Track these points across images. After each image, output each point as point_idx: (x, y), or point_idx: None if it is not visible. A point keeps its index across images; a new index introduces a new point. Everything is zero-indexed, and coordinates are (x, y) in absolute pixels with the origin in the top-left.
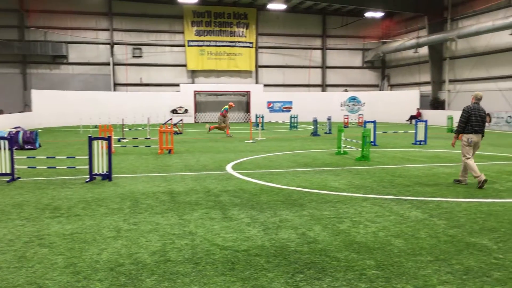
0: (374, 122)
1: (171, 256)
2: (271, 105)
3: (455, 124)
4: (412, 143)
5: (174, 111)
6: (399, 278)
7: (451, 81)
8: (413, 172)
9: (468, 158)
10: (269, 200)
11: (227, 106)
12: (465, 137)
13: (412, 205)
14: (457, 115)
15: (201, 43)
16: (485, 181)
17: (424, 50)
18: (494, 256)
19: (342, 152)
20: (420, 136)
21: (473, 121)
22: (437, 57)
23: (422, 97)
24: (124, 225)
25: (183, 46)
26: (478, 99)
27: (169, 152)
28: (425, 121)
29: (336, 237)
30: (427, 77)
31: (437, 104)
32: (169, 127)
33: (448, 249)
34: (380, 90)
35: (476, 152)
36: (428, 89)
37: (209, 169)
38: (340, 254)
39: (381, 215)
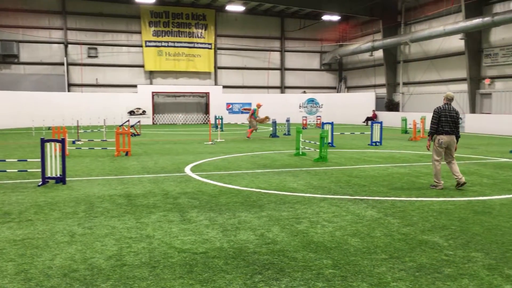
0: (332, 123)
1: (128, 260)
2: (230, 106)
3: (409, 126)
4: (368, 144)
5: (131, 113)
6: (355, 276)
7: (405, 84)
8: (369, 173)
9: (437, 160)
10: (228, 202)
11: (255, 107)
12: (436, 138)
13: (368, 204)
14: (410, 116)
15: (159, 44)
16: (441, 189)
17: (379, 53)
18: (445, 252)
19: (300, 153)
20: (376, 137)
21: (443, 121)
22: (392, 60)
23: (378, 99)
24: (78, 229)
25: (141, 46)
26: (449, 99)
27: (126, 154)
28: (380, 123)
29: (294, 238)
30: (382, 80)
31: (392, 106)
32: (126, 129)
33: (401, 247)
34: (337, 92)
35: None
36: (383, 91)
37: (168, 171)
38: (298, 254)
39: (338, 215)
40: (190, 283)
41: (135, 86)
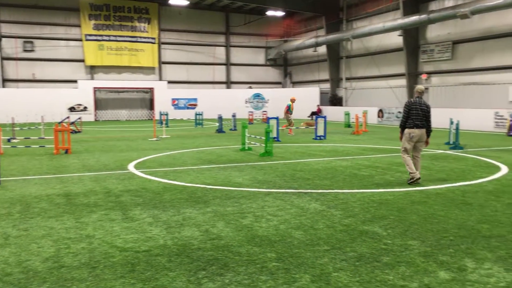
0: (277, 118)
1: (66, 262)
2: (176, 102)
3: (352, 120)
4: (313, 138)
5: (72, 109)
6: (298, 268)
7: (347, 79)
8: (313, 166)
9: (406, 153)
10: (172, 199)
11: (289, 103)
12: (406, 131)
13: (312, 197)
14: (353, 111)
15: (100, 38)
16: (418, 178)
17: (323, 49)
18: (384, 242)
19: (246, 148)
20: (320, 132)
21: (414, 115)
22: (335, 56)
23: (322, 94)
24: (13, 231)
25: (80, 40)
26: (419, 93)
27: (66, 152)
28: (324, 117)
29: (239, 232)
30: (326, 75)
31: (335, 100)
32: (66, 126)
33: (343, 237)
34: (283, 87)
35: (376, 146)
36: (327, 86)
37: (110, 169)
38: (243, 248)
39: (282, 208)
40: (132, 282)
41: (75, 81)
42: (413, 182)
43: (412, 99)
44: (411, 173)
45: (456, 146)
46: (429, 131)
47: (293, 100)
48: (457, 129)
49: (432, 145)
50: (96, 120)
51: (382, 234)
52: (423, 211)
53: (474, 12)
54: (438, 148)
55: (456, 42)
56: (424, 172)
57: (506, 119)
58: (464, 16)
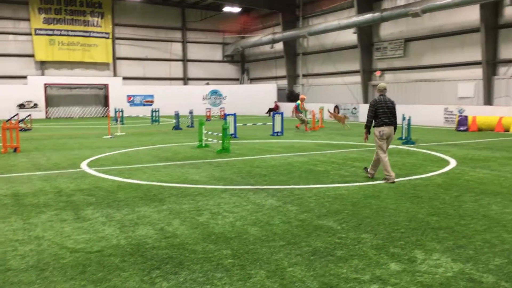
0: (234, 115)
1: (13, 265)
2: (132, 98)
3: (309, 116)
4: (270, 135)
5: (21, 106)
6: (253, 264)
7: (304, 76)
8: (270, 162)
9: (381, 152)
10: (127, 197)
11: (298, 102)
12: (376, 130)
13: (268, 193)
14: (310, 107)
15: (50, 32)
16: (393, 182)
17: (280, 46)
18: (338, 236)
19: (203, 145)
20: (277, 128)
21: (381, 113)
22: (291, 53)
23: (279, 90)
24: None
25: (30, 34)
26: (381, 90)
27: (15, 150)
28: (281, 113)
29: (194, 230)
30: (283, 72)
31: (293, 97)
32: (15, 123)
33: (298, 233)
34: (240, 83)
35: (332, 142)
36: (284, 82)
37: (61, 168)
38: (198, 246)
39: (239, 205)
40: (83, 284)
41: (24, 77)
42: (388, 181)
43: (377, 98)
44: (387, 175)
45: (408, 141)
46: (395, 127)
47: (302, 99)
48: (409, 124)
49: None
50: (47, 118)
51: (337, 228)
52: (375, 205)
53: (425, 11)
54: (391, 143)
55: (408, 40)
56: None
57: (455, 114)
58: (415, 15)
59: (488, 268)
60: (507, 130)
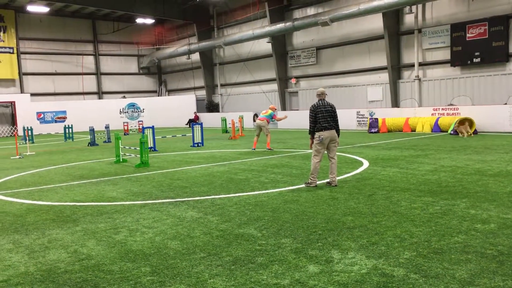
0: (152, 127)
1: None
2: (42, 115)
3: (229, 125)
4: (191, 146)
5: None
6: (173, 279)
7: (222, 85)
8: (190, 174)
9: (316, 157)
10: (37, 220)
11: (271, 111)
12: (316, 134)
13: (189, 205)
14: (230, 116)
15: None
16: (315, 187)
17: (197, 56)
18: (259, 243)
19: (121, 160)
20: (197, 139)
21: (320, 118)
22: (208, 63)
23: (198, 101)
24: None
25: None
26: (319, 95)
27: None
28: (201, 124)
29: (111, 249)
30: (201, 82)
31: (212, 107)
32: None
33: (219, 243)
34: (158, 95)
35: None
36: (203, 93)
37: None
38: (115, 266)
39: (158, 219)
40: None
41: None
42: (309, 186)
43: (315, 103)
44: (312, 179)
45: None
46: (338, 130)
47: (273, 109)
48: None
49: (304, 145)
50: None
51: (257, 235)
52: (295, 209)
53: (333, 20)
54: (308, 148)
55: (319, 48)
56: (296, 171)
57: (366, 117)
58: (324, 24)
59: (398, 262)
60: (413, 130)
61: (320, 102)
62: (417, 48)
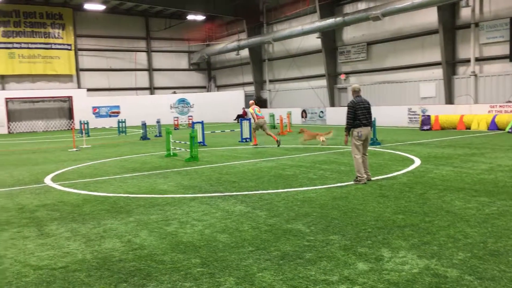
0: (202, 122)
1: None
2: (97, 110)
3: (277, 121)
4: (239, 141)
5: None
6: (222, 272)
7: (271, 81)
8: (239, 169)
9: (357, 154)
10: (92, 211)
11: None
12: (355, 131)
13: (237, 200)
14: (278, 112)
15: (10, 45)
16: (365, 183)
17: (246, 52)
18: (307, 239)
19: (171, 154)
20: (245, 134)
21: (360, 114)
22: (257, 59)
23: (247, 96)
24: None
25: None
26: (356, 91)
27: None
28: (249, 120)
29: (162, 240)
30: (250, 78)
31: (260, 103)
32: None
33: (268, 237)
34: (207, 91)
35: (300, 146)
36: (251, 89)
37: (24, 183)
38: (166, 256)
39: (208, 213)
40: None
41: None
42: (358, 183)
43: (354, 99)
44: (359, 176)
45: (374, 142)
46: (371, 127)
47: (251, 104)
48: (374, 126)
49: None
50: (9, 133)
51: (305, 231)
52: (343, 206)
53: (385, 14)
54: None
55: (370, 43)
56: (344, 168)
57: (418, 114)
58: (376, 18)
59: (452, 263)
60: (468, 128)
61: (358, 98)
62: (473, 42)
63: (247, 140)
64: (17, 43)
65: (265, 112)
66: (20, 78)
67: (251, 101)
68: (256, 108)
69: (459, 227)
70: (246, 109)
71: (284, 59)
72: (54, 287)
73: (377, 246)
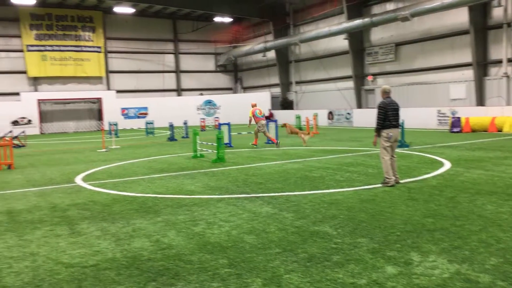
0: (229, 124)
1: (8, 282)
2: (126, 111)
3: (303, 123)
4: (265, 142)
5: (15, 123)
6: (250, 273)
7: (297, 83)
8: (265, 170)
9: (385, 155)
10: (122, 210)
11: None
12: (384, 132)
13: (264, 201)
14: (304, 114)
15: (42, 48)
16: (393, 186)
17: (272, 54)
18: (334, 241)
19: (198, 155)
20: (272, 135)
21: (390, 116)
22: (284, 60)
23: (273, 98)
24: None
25: (22, 51)
26: (387, 92)
27: (9, 167)
28: (275, 121)
29: (190, 240)
30: (276, 79)
31: (286, 104)
32: (8, 140)
33: (294, 239)
34: (234, 93)
35: (327, 148)
36: (277, 90)
37: (56, 183)
38: (194, 256)
39: (234, 214)
40: None
41: (17, 94)
42: (386, 185)
43: (385, 100)
44: (387, 178)
45: (402, 144)
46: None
47: (252, 106)
48: (402, 127)
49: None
50: (41, 133)
51: (333, 233)
52: (371, 208)
53: (413, 15)
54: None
55: (398, 44)
56: (372, 171)
57: (448, 116)
58: (404, 19)
59: (484, 268)
60: (500, 130)
61: (388, 99)
62: (506, 43)
63: (273, 142)
64: (49, 45)
65: (291, 114)
66: (52, 80)
67: (253, 103)
68: (257, 110)
69: (491, 231)
70: (272, 111)
71: (311, 61)
72: (85, 285)
73: (406, 250)
